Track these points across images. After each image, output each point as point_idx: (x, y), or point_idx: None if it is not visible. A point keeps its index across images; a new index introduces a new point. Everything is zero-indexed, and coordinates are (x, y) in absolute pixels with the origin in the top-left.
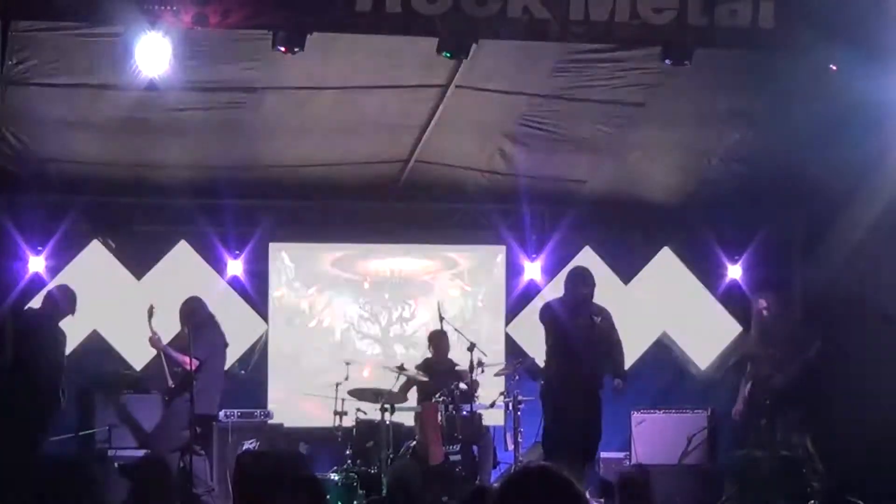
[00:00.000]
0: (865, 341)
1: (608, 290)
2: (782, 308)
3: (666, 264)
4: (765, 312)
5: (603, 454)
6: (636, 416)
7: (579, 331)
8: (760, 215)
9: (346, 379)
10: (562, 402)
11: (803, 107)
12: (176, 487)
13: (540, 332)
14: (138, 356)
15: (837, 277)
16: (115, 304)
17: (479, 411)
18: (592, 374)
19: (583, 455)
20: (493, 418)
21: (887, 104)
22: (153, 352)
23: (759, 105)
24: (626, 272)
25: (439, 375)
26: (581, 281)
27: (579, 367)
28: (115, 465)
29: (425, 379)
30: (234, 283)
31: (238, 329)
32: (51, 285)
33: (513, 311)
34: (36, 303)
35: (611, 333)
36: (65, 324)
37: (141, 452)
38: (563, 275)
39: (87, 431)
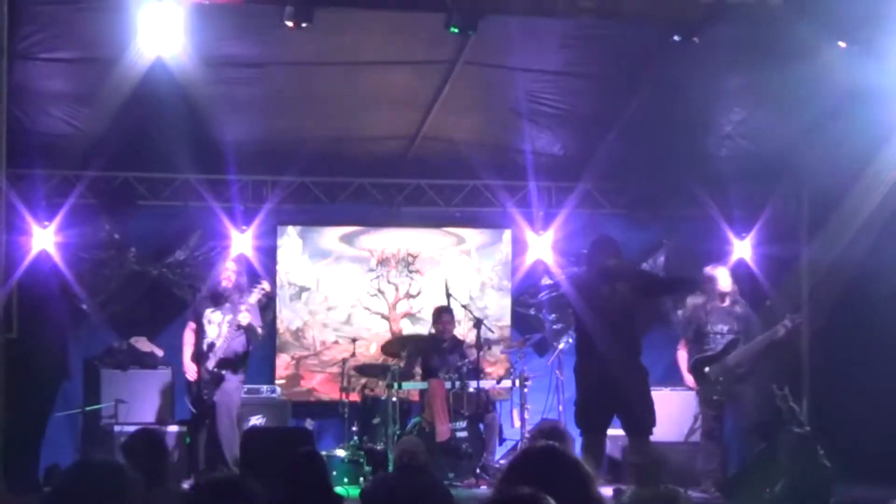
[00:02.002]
0: (870, 319)
1: None
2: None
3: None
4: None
5: (609, 431)
6: None
7: (601, 302)
8: (767, 193)
9: (353, 355)
10: (590, 376)
11: (811, 85)
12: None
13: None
14: (142, 333)
15: (843, 256)
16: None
17: (485, 388)
18: (623, 345)
19: (634, 429)
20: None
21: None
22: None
23: (766, 83)
24: (637, 249)
25: (446, 352)
26: (597, 250)
27: (605, 338)
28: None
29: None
30: (242, 258)
31: None
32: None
33: (519, 288)
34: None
35: (637, 293)
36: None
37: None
38: (568, 251)
39: (93, 406)
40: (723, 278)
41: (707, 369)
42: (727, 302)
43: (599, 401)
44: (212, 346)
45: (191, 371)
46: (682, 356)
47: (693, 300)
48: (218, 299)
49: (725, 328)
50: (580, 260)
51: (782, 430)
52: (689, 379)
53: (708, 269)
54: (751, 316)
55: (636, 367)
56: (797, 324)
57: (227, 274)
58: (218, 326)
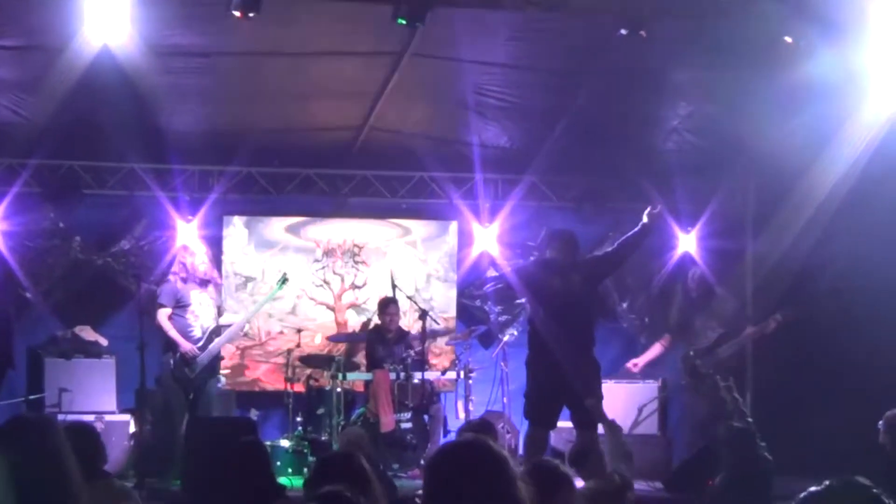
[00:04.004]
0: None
1: None
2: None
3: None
4: (690, 284)
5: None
6: None
7: (551, 293)
8: (713, 187)
9: (298, 346)
10: (542, 369)
11: (758, 79)
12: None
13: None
14: (86, 322)
15: (788, 251)
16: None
17: (430, 379)
18: (575, 338)
19: (583, 423)
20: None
21: (841, 78)
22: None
23: (713, 77)
24: (583, 242)
25: (390, 343)
26: (548, 243)
27: (557, 332)
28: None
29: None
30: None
31: None
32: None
33: (465, 280)
34: None
35: (592, 283)
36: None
37: (92, 417)
38: (514, 244)
39: (36, 395)
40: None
41: (698, 362)
42: (697, 300)
43: (551, 394)
44: (216, 330)
45: (193, 350)
46: (657, 349)
47: (679, 296)
48: (205, 284)
49: (714, 322)
50: (531, 252)
51: (723, 423)
52: (635, 363)
53: (692, 270)
54: (738, 309)
55: (589, 361)
56: (788, 318)
57: (202, 258)
58: (212, 309)
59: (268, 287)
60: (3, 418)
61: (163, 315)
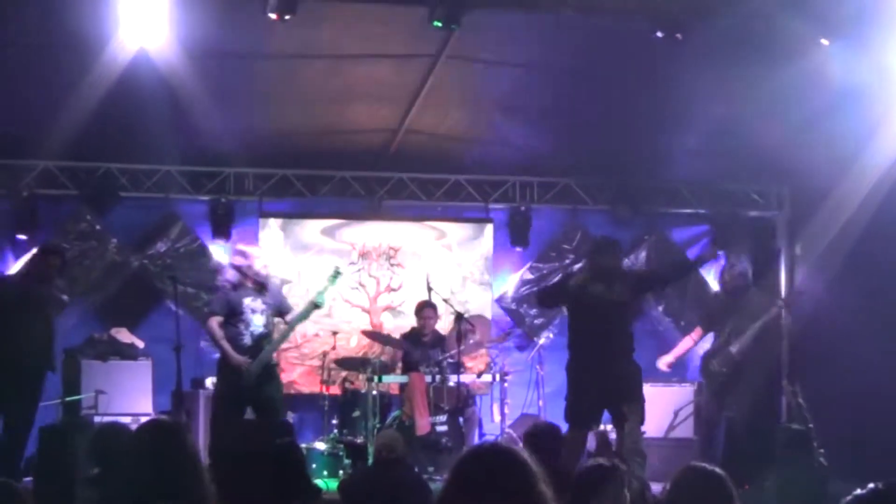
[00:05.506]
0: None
1: None
2: (741, 275)
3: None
4: (727, 277)
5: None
6: None
7: (594, 299)
8: (748, 190)
9: (334, 348)
10: (584, 373)
11: (796, 82)
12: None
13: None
14: (123, 324)
15: (823, 254)
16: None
17: (465, 382)
18: (618, 343)
19: (621, 424)
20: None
21: (875, 84)
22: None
23: (750, 80)
24: None
25: (426, 346)
26: (593, 249)
27: (597, 335)
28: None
29: (396, 339)
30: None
31: None
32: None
33: (500, 283)
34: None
35: (633, 290)
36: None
37: (129, 419)
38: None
39: (73, 397)
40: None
41: (714, 361)
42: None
43: (593, 398)
44: (268, 336)
45: (245, 362)
46: (687, 343)
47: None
48: (261, 289)
49: (728, 319)
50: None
51: (778, 425)
52: (666, 359)
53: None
54: (762, 307)
55: (630, 364)
56: (794, 298)
57: (262, 261)
58: (262, 315)
59: (303, 290)
60: (40, 420)
61: (214, 323)
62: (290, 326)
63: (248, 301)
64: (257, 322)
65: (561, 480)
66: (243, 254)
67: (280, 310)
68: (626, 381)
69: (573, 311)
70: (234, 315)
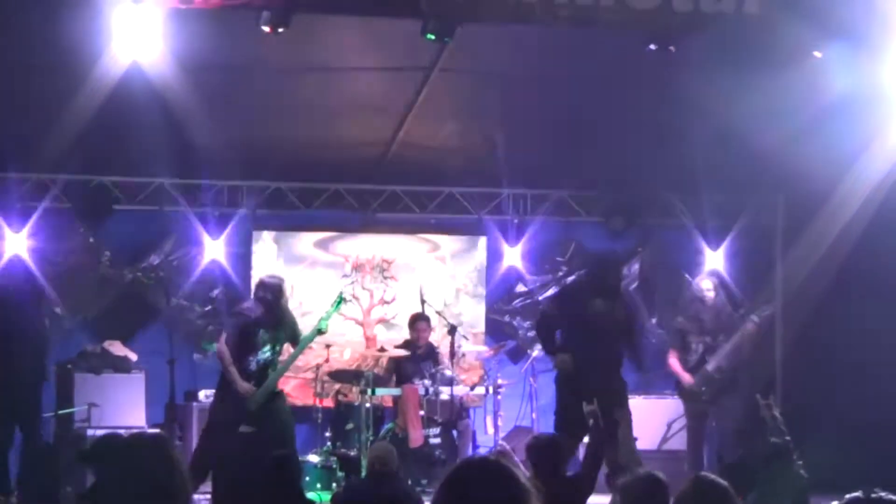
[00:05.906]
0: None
1: None
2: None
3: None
4: (708, 294)
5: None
6: None
7: (593, 313)
8: (742, 202)
9: (327, 361)
10: (575, 385)
11: (788, 93)
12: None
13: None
14: (116, 337)
15: (817, 266)
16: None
17: (458, 395)
18: (609, 357)
19: (613, 430)
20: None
21: (869, 94)
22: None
23: (743, 91)
24: None
25: (420, 358)
26: (594, 264)
27: (590, 348)
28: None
29: (406, 353)
30: (215, 264)
31: None
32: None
33: (493, 295)
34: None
35: (629, 322)
36: None
37: (122, 433)
38: (543, 259)
39: (66, 410)
40: (706, 288)
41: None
42: (710, 312)
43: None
44: (273, 363)
45: (250, 390)
46: (675, 362)
47: (681, 311)
48: (280, 323)
49: (708, 337)
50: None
51: (760, 439)
52: (686, 377)
53: (696, 280)
54: (736, 324)
55: (620, 379)
56: (765, 317)
57: (286, 297)
58: (273, 344)
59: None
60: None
61: (224, 346)
62: (295, 354)
63: (262, 332)
64: (265, 350)
65: (563, 489)
66: (273, 290)
67: (292, 339)
68: (617, 393)
69: (571, 324)
70: (245, 342)
